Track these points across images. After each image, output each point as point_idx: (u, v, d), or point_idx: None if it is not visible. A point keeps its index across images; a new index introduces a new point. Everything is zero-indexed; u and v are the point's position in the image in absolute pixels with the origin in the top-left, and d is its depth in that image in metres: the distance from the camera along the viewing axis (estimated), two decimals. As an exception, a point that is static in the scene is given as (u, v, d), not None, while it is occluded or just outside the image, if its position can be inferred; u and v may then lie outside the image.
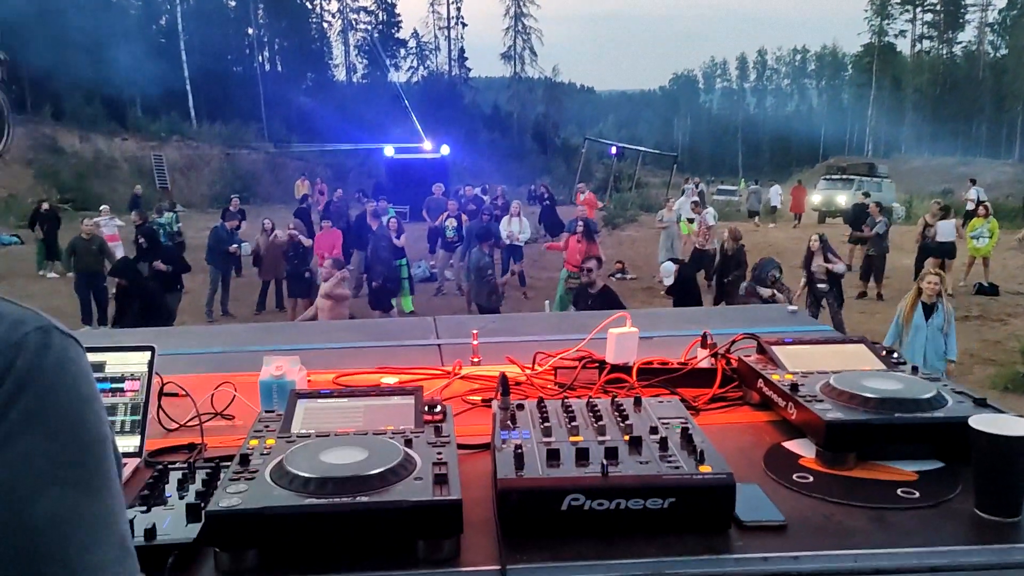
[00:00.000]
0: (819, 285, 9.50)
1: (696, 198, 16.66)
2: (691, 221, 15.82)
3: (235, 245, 12.02)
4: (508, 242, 12.91)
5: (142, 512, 1.14)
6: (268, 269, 11.80)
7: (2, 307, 0.63)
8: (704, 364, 1.79)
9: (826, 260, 9.65)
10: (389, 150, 21.50)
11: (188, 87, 40.13)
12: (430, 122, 31.35)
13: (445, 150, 21.68)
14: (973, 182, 24.84)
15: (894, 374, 1.50)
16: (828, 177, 30.18)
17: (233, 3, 46.16)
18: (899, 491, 1.25)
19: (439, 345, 2.36)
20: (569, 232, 11.45)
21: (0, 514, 0.57)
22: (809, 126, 74.42)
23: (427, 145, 22.74)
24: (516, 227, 13.06)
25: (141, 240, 10.86)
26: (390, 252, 10.79)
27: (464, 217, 13.23)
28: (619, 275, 14.40)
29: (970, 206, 22.11)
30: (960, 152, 56.43)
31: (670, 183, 30.80)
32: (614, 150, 31.35)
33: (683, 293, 9.30)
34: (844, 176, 29.20)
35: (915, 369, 1.56)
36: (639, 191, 30.92)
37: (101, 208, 15.10)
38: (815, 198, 27.75)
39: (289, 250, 10.88)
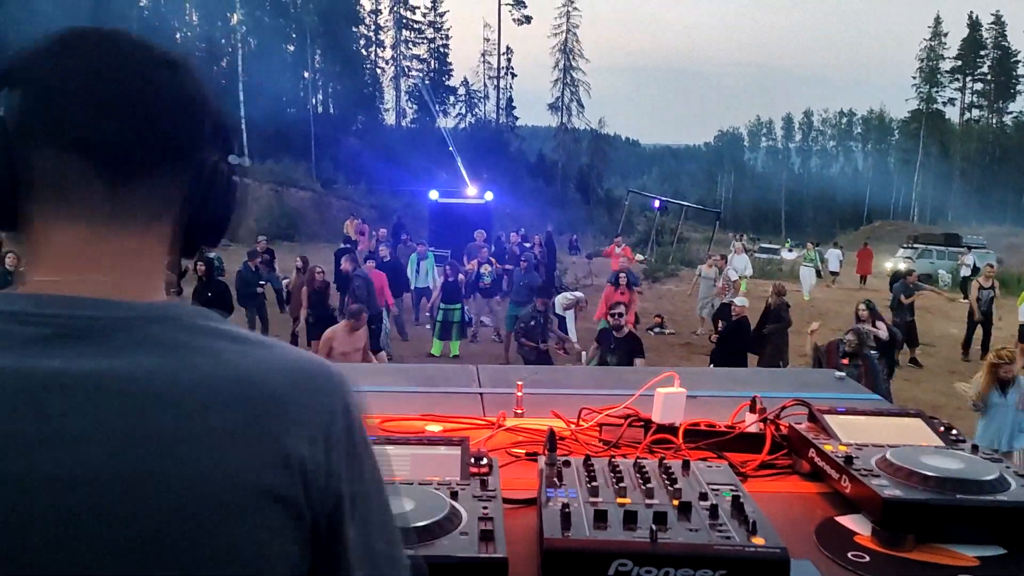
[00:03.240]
0: (871, 352, 9.24)
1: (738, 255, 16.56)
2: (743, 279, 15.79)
3: (263, 283, 12.13)
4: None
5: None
6: (295, 307, 11.90)
7: (302, 354, 0.75)
8: (752, 429, 1.75)
9: (874, 326, 9.38)
10: (434, 194, 21.77)
11: (244, 126, 41.36)
12: (476, 168, 31.80)
13: (489, 196, 21.90)
14: (969, 248, 24.92)
15: (955, 452, 1.45)
16: (904, 245, 30.85)
17: (292, 48, 47.72)
18: (960, 577, 1.19)
19: (481, 394, 2.36)
20: (610, 283, 11.65)
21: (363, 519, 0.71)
22: (854, 188, 73.81)
23: (471, 190, 22.99)
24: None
25: (200, 266, 10.95)
26: (367, 297, 10.66)
27: (495, 262, 13.29)
28: (657, 329, 14.27)
29: (965, 272, 21.95)
30: (1009, 222, 55.36)
31: (712, 239, 30.68)
32: (657, 203, 31.36)
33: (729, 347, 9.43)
34: (913, 245, 29.94)
35: (975, 448, 1.51)
36: (680, 245, 30.84)
37: None
38: (887, 265, 28.03)
39: (313, 294, 10.81)
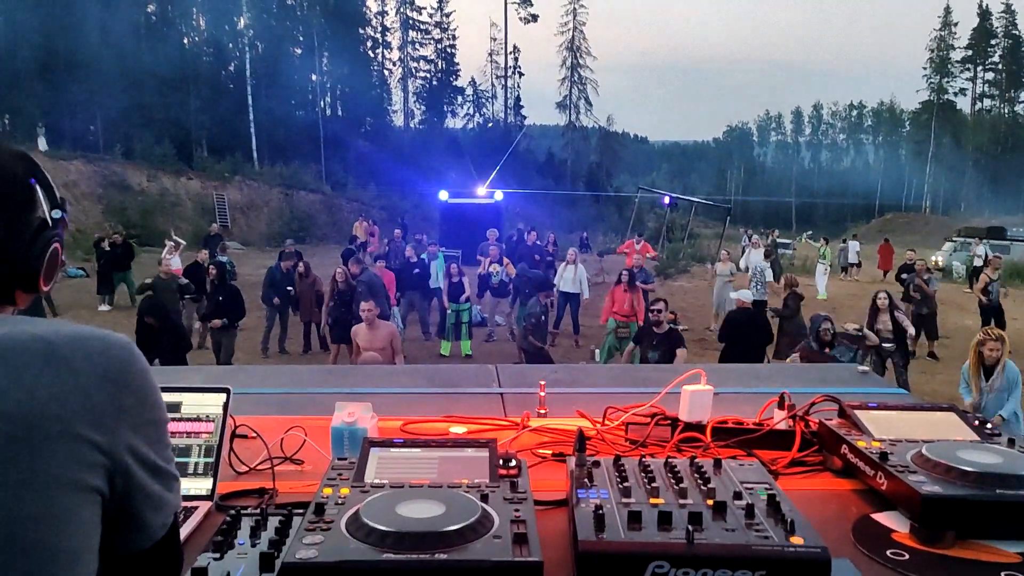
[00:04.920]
0: (885, 344, 9.16)
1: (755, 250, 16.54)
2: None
3: (290, 287, 12.18)
4: (573, 289, 12.82)
5: (215, 559, 1.13)
6: (305, 311, 11.88)
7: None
8: (781, 426, 1.73)
9: (893, 318, 9.28)
10: (444, 194, 21.78)
11: (252, 130, 41.48)
12: (485, 168, 31.75)
13: (499, 196, 21.89)
14: (981, 239, 24.85)
15: (991, 447, 1.42)
16: (949, 238, 31.05)
17: (299, 51, 47.81)
18: (1003, 574, 1.17)
19: (501, 394, 2.34)
20: (615, 282, 11.57)
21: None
22: (865, 181, 73.25)
23: (481, 190, 23.00)
24: (577, 273, 13.05)
25: (212, 270, 10.95)
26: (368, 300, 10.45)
27: (507, 262, 13.19)
28: (671, 326, 14.21)
29: (978, 262, 21.86)
30: (1023, 212, 54.86)
31: (723, 235, 30.54)
32: (667, 200, 31.23)
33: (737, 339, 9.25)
34: (953, 238, 29.94)
35: (1012, 441, 1.48)
36: (691, 242, 30.72)
37: (167, 242, 15.57)
38: (933, 258, 27.80)
39: (334, 296, 10.77)
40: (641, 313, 10.44)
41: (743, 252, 18.85)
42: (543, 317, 10.08)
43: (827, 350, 7.93)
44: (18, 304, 0.93)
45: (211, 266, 11.21)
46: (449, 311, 11.85)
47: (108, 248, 15.41)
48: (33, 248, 0.91)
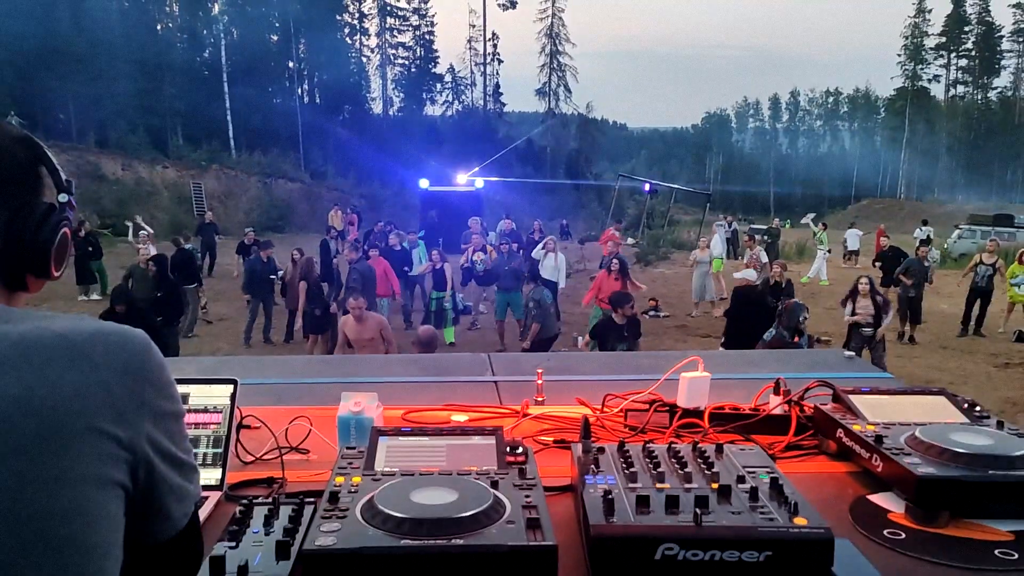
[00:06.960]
0: (864, 329, 9.27)
1: (728, 235, 16.62)
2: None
3: (272, 275, 12.10)
4: (552, 277, 12.82)
5: (231, 548, 1.14)
6: (292, 298, 11.79)
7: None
8: (777, 411, 1.76)
9: (875, 302, 9.37)
10: (424, 183, 21.70)
11: (229, 117, 40.99)
12: (464, 155, 31.67)
13: (479, 184, 21.85)
14: (925, 222, 25.28)
15: (982, 429, 1.46)
16: (957, 226, 31.23)
17: (276, 37, 47.22)
18: (997, 552, 1.21)
19: (496, 382, 2.36)
20: (602, 268, 11.64)
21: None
22: (841, 167, 73.93)
23: (461, 178, 22.96)
24: (557, 261, 13.08)
25: (152, 267, 10.75)
26: (362, 289, 10.20)
27: (491, 251, 13.11)
28: (652, 312, 14.31)
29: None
30: (995, 197, 55.66)
31: (703, 221, 30.72)
32: (647, 187, 31.33)
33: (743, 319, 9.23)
34: (958, 225, 30.35)
35: (1001, 424, 1.52)
36: (671, 229, 30.88)
37: (140, 233, 15.38)
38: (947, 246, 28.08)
39: (312, 286, 10.65)
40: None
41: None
42: (550, 301, 10.12)
43: (796, 339, 8.01)
44: (30, 291, 0.92)
45: (150, 261, 10.93)
46: (432, 298, 11.85)
47: (83, 239, 15.22)
48: (41, 233, 0.90)
